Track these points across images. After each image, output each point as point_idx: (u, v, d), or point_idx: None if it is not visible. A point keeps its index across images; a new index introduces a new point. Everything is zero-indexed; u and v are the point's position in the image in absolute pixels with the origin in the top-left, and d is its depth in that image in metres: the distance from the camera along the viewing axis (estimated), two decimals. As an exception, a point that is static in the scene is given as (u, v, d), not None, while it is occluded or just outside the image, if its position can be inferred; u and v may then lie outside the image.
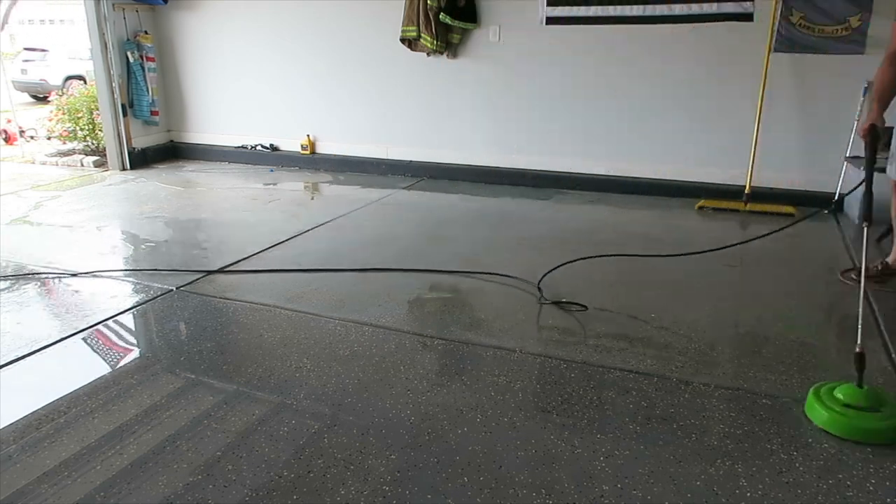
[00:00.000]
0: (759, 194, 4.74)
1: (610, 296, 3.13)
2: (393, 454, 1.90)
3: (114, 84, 6.01)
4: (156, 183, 5.66)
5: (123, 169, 6.18)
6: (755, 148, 4.61)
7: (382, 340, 2.65)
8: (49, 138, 7.49)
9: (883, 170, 4.14)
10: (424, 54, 5.55)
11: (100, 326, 2.80)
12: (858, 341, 2.13)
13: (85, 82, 10.74)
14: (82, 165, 6.31)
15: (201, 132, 6.71)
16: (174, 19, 6.41)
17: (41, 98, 13.41)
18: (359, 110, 6.00)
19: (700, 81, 4.88)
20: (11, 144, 7.91)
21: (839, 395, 2.07)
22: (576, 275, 3.34)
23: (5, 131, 8.10)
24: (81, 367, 2.53)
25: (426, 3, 5.26)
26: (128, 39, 6.09)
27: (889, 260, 3.36)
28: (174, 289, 3.19)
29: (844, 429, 1.98)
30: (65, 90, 8.66)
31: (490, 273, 3.37)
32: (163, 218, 4.52)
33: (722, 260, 3.52)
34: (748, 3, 4.53)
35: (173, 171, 6.15)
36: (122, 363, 2.52)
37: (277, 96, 6.28)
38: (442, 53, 5.48)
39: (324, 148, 6.26)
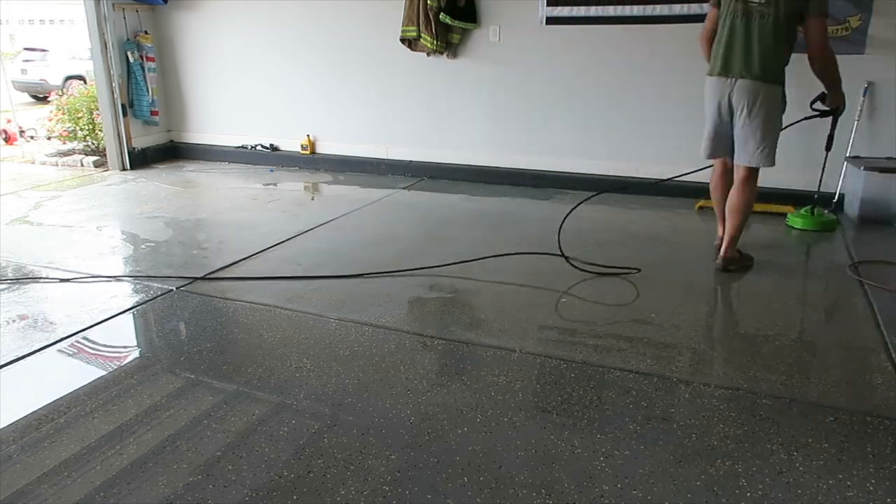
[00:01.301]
0: (761, 194, 4.73)
1: (606, 293, 3.13)
2: (393, 454, 1.90)
3: (114, 84, 6.01)
4: (156, 183, 5.66)
5: (123, 169, 6.18)
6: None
7: (382, 340, 2.65)
8: (49, 138, 7.49)
9: (885, 170, 4.17)
10: (424, 54, 5.55)
11: (100, 326, 2.80)
12: None
13: (85, 82, 10.74)
14: (82, 165, 6.31)
15: (201, 132, 6.71)
16: (174, 19, 6.41)
17: (41, 98, 13.41)
18: (359, 110, 6.00)
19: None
20: (11, 144, 7.91)
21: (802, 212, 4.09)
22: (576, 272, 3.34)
23: (5, 131, 8.10)
24: (81, 367, 2.53)
25: (426, 3, 5.26)
26: (128, 39, 6.09)
27: None
28: (174, 289, 3.19)
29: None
30: (65, 90, 8.66)
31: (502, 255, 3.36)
32: (163, 218, 4.52)
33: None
34: (748, 3, 4.53)
35: (173, 171, 6.15)
36: (121, 363, 2.53)
37: (277, 96, 6.28)
38: (442, 53, 5.48)
39: (324, 148, 6.26)
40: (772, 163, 3.28)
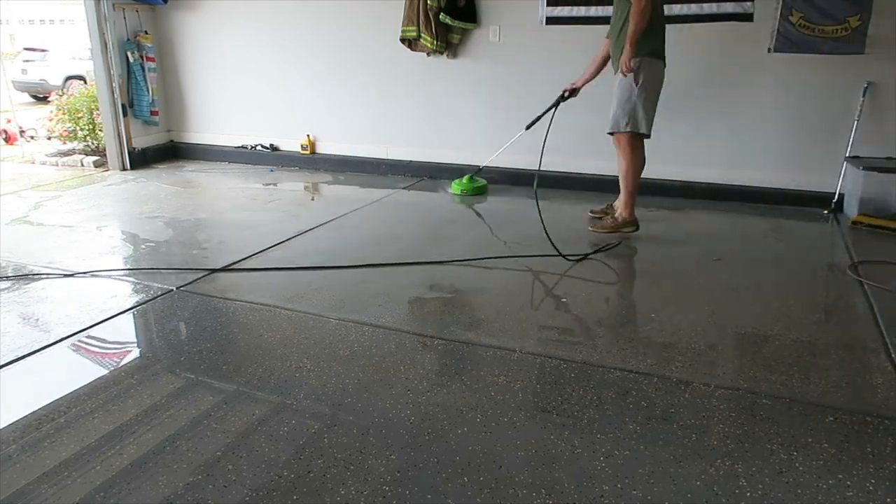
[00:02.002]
0: (761, 194, 4.75)
1: (605, 295, 3.13)
2: (393, 454, 1.90)
3: (114, 84, 6.01)
4: (156, 183, 5.66)
5: (123, 169, 6.18)
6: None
7: (382, 340, 2.65)
8: (49, 138, 7.49)
9: (885, 170, 4.17)
10: (424, 54, 5.55)
11: (100, 326, 2.80)
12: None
13: (85, 82, 10.74)
14: (82, 165, 6.31)
15: (201, 132, 6.71)
16: (174, 19, 6.41)
17: (41, 98, 13.42)
18: (359, 110, 6.00)
19: (700, 81, 4.88)
20: (11, 144, 7.91)
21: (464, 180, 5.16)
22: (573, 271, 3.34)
23: (5, 131, 8.11)
24: (81, 367, 2.53)
25: (426, 3, 5.26)
26: (128, 39, 6.09)
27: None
28: (174, 289, 3.19)
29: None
30: (65, 90, 8.66)
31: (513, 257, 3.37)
32: (163, 218, 4.52)
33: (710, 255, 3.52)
34: (748, 3, 4.54)
35: (173, 171, 6.15)
36: (122, 363, 2.53)
37: (277, 96, 6.28)
38: (442, 53, 5.48)
39: (324, 148, 6.26)
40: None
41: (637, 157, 3.95)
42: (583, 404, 2.17)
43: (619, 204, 4.08)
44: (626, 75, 3.74)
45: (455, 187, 5.25)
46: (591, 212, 4.47)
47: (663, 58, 3.80)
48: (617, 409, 2.15)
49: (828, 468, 1.84)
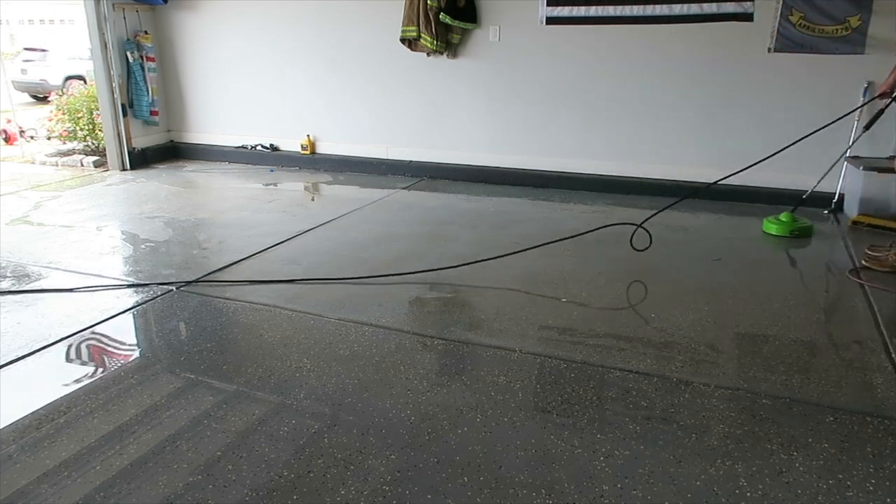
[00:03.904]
0: (761, 194, 4.75)
1: (602, 292, 3.13)
2: (393, 454, 1.90)
3: (114, 84, 6.01)
4: (156, 183, 5.66)
5: (123, 169, 6.18)
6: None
7: (382, 340, 2.65)
8: (49, 138, 7.49)
9: (885, 170, 4.17)
10: (424, 54, 5.55)
11: (100, 326, 2.80)
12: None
13: (85, 82, 10.74)
14: (82, 165, 6.31)
15: (201, 132, 6.71)
16: (174, 19, 6.40)
17: (41, 98, 13.41)
18: (359, 110, 6.00)
19: (700, 81, 4.88)
20: (11, 144, 7.90)
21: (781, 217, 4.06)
22: (571, 271, 3.33)
23: (5, 131, 8.10)
24: (81, 367, 2.53)
25: (426, 3, 5.26)
26: (128, 39, 6.09)
27: None
28: (174, 289, 3.19)
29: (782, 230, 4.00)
30: (65, 90, 8.65)
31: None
32: (163, 218, 4.52)
33: (709, 256, 3.52)
34: (748, 3, 4.54)
35: (173, 171, 6.15)
36: (122, 363, 2.53)
37: (277, 96, 6.28)
38: (442, 53, 5.48)
39: (324, 148, 6.26)
40: None
41: None
42: (583, 404, 2.17)
43: None
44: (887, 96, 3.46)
45: (772, 226, 4.07)
46: (869, 249, 3.52)
47: None
48: (617, 409, 2.15)
49: (828, 468, 1.84)
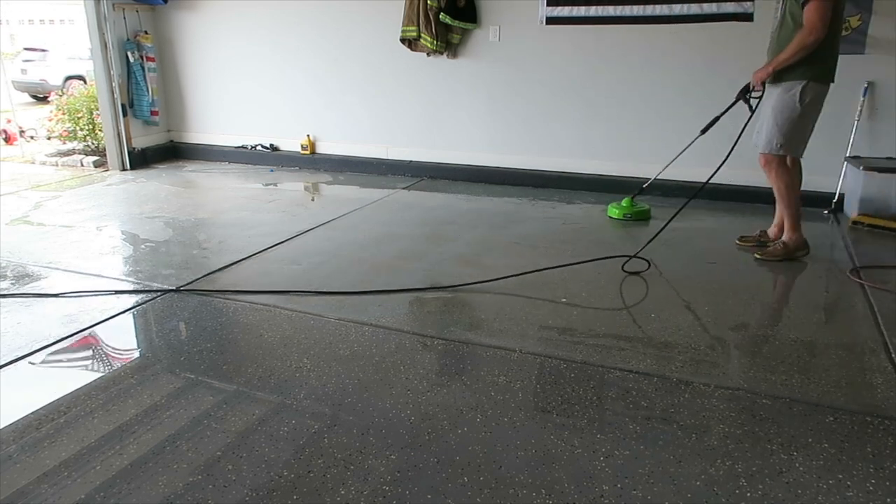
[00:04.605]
0: (761, 194, 4.74)
1: (601, 296, 3.13)
2: (393, 454, 1.90)
3: (114, 84, 6.01)
4: (156, 183, 5.66)
5: (123, 169, 6.18)
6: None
7: (382, 340, 2.65)
8: (49, 138, 7.49)
9: (885, 170, 4.17)
10: (424, 54, 5.55)
11: (100, 326, 2.80)
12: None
13: (85, 82, 10.74)
14: (82, 165, 6.31)
15: (201, 132, 6.71)
16: (174, 19, 6.41)
17: (41, 98, 13.41)
18: (359, 110, 6.00)
19: (700, 81, 4.88)
20: (11, 144, 7.90)
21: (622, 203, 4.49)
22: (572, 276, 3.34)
23: (5, 131, 8.10)
24: (81, 367, 2.53)
25: (426, 3, 5.26)
26: (128, 39, 6.09)
27: (769, 231, 3.81)
28: (174, 289, 3.19)
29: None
30: (65, 90, 8.65)
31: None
32: (163, 218, 4.52)
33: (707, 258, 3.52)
34: (748, 3, 4.54)
35: (173, 171, 6.15)
36: (122, 363, 2.53)
37: (277, 96, 6.28)
38: (442, 53, 5.48)
39: (324, 148, 6.26)
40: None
41: (793, 177, 3.59)
42: (583, 404, 2.17)
43: (784, 228, 3.65)
44: (755, 88, 3.61)
45: (614, 211, 4.58)
46: (740, 239, 3.93)
47: (833, 79, 3.49)
48: (617, 409, 2.15)
49: (828, 468, 1.84)
